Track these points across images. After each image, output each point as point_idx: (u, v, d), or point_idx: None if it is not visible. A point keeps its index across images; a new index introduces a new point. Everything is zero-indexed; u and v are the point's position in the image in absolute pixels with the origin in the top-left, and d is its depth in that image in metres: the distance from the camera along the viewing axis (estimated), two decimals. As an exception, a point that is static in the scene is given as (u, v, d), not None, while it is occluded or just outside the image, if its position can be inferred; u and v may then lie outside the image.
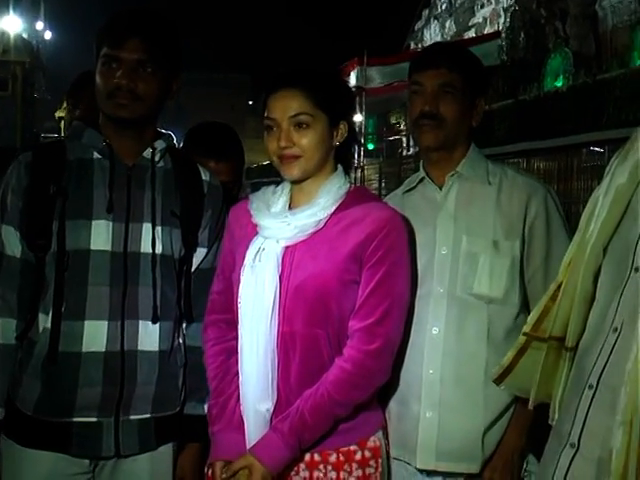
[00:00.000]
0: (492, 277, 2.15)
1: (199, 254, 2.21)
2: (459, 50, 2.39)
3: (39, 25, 34.13)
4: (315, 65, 2.13)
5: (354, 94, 2.16)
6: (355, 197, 2.02)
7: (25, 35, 30.66)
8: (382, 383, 2.00)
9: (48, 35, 35.52)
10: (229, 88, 61.69)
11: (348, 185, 2.03)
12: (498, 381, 1.85)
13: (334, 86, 2.04)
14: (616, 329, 1.54)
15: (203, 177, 2.24)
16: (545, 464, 1.71)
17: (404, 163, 17.64)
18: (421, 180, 2.32)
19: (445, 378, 2.15)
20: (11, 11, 28.85)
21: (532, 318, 1.76)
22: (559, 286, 1.71)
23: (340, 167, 2.05)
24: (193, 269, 2.20)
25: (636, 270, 1.53)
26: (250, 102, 59.54)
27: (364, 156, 18.98)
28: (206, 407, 2.10)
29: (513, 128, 14.42)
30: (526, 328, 1.77)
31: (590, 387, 1.58)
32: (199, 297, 2.17)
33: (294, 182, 2.02)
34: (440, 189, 2.27)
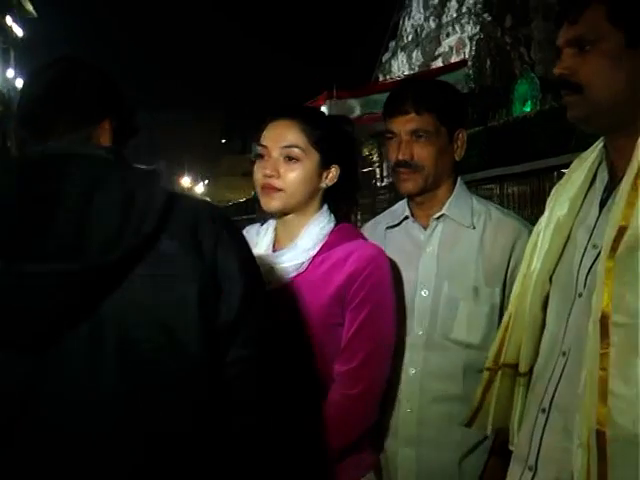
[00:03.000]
0: (471, 324, 2.14)
1: None
2: (427, 88, 2.25)
3: (10, 73, 34.12)
4: (284, 101, 2.09)
5: (355, 142, 2.09)
6: (339, 236, 1.97)
7: (-5, 83, 30.65)
8: (368, 427, 1.94)
9: (19, 83, 35.51)
10: (202, 127, 61.83)
11: (332, 224, 1.98)
12: (469, 424, 1.87)
13: (333, 128, 1.99)
14: (564, 353, 1.61)
15: None
16: None
17: (378, 194, 17.71)
18: (405, 218, 2.29)
19: (422, 417, 2.15)
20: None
21: (492, 352, 1.81)
22: (510, 316, 1.77)
23: (325, 207, 2.00)
24: None
25: (579, 296, 1.59)
26: (223, 140, 59.72)
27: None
28: None
29: (484, 154, 14.54)
30: (488, 363, 1.81)
31: (543, 411, 1.63)
32: None
33: (275, 216, 1.99)
34: (424, 229, 2.24)
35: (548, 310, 1.70)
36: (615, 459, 1.40)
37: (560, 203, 1.70)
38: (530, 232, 2.19)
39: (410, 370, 2.16)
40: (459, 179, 2.28)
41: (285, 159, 1.92)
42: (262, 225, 2.07)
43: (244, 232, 2.07)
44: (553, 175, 12.22)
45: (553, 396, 1.61)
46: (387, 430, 2.19)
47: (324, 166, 1.96)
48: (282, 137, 1.92)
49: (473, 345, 2.14)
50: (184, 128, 61.23)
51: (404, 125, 2.17)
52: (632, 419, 1.39)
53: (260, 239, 2.03)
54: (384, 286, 1.93)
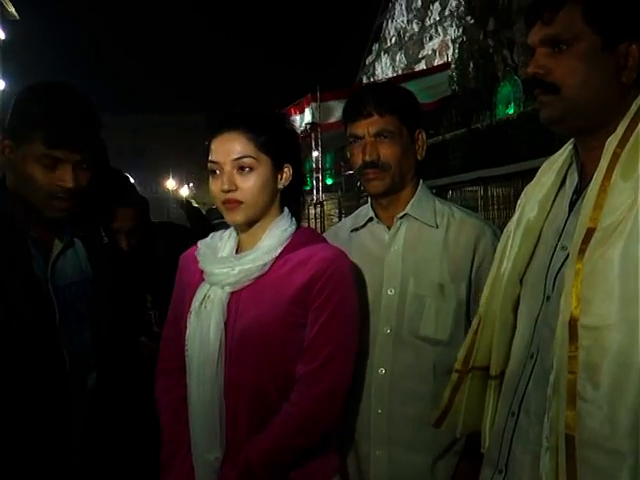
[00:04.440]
0: (438, 320, 2.16)
1: None
2: (385, 91, 2.31)
3: (-8, 75, 33.82)
4: (263, 106, 2.08)
5: (298, 137, 2.12)
6: (301, 239, 1.98)
7: (-22, 86, 30.38)
8: (331, 427, 1.93)
9: (2, 85, 35.25)
10: (185, 129, 61.65)
11: (294, 227, 1.99)
12: (438, 424, 1.87)
13: (278, 129, 1.99)
14: (532, 356, 1.60)
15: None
16: None
17: (362, 196, 17.73)
18: (370, 219, 2.32)
19: (393, 417, 2.16)
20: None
21: (461, 354, 1.80)
22: (480, 319, 1.76)
23: (286, 210, 2.01)
24: None
25: (548, 298, 1.59)
26: (207, 143, 59.29)
27: (323, 191, 19.05)
28: None
29: (468, 156, 14.57)
30: (457, 365, 1.80)
31: (512, 414, 1.63)
32: None
33: (239, 227, 2.00)
34: (388, 229, 2.28)
35: (518, 312, 1.69)
36: (584, 463, 1.40)
37: (530, 205, 1.70)
38: (492, 231, 2.23)
39: (380, 370, 2.18)
40: (421, 181, 2.32)
41: (239, 171, 1.91)
42: (225, 231, 2.07)
43: (208, 239, 2.08)
44: (536, 177, 12.29)
45: (522, 399, 1.61)
46: (359, 432, 2.20)
47: (277, 168, 1.97)
48: (231, 150, 1.91)
49: (442, 341, 2.16)
50: (167, 131, 61.09)
51: (368, 127, 2.22)
52: (601, 423, 1.39)
53: (223, 243, 2.03)
54: (346, 287, 1.93)
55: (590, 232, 1.44)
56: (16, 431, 1.95)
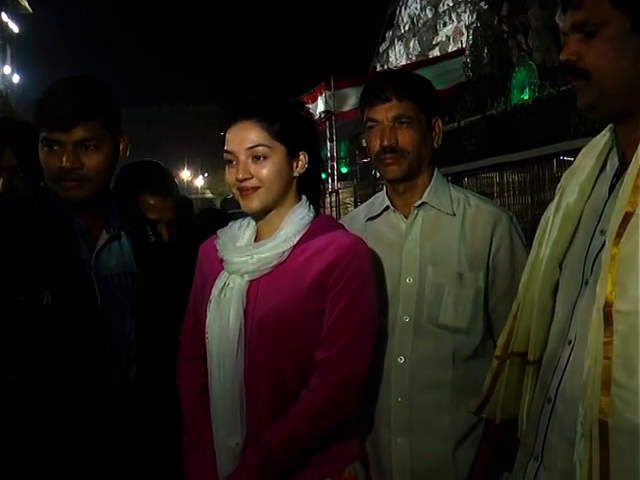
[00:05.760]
0: (457, 308, 2.17)
1: None
2: (404, 77, 2.34)
3: (6, 69, 34.00)
4: (281, 94, 2.08)
5: (315, 124, 2.12)
6: (319, 227, 2.00)
7: (-8, 80, 30.58)
8: (350, 413, 1.96)
9: (16, 79, 35.37)
10: (200, 119, 61.72)
11: (312, 215, 2.01)
12: (478, 412, 1.86)
13: (292, 116, 2.01)
14: (570, 342, 1.59)
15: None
16: (514, 477, 1.75)
17: (378, 184, 17.69)
18: (386, 208, 2.33)
19: (413, 405, 2.18)
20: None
21: (501, 340, 1.79)
22: (518, 305, 1.75)
23: (304, 198, 2.03)
24: None
25: (586, 283, 1.57)
26: (222, 133, 59.38)
27: (338, 180, 19.06)
28: None
29: (483, 143, 14.51)
30: (497, 351, 1.80)
31: (549, 400, 1.62)
32: None
33: (256, 214, 2.01)
34: (405, 218, 2.28)
35: (557, 298, 1.68)
36: (617, 449, 1.38)
37: (570, 189, 1.67)
38: (508, 217, 2.23)
39: (399, 358, 2.19)
40: (436, 169, 2.32)
41: (253, 159, 1.94)
42: (244, 220, 2.09)
43: (227, 227, 2.10)
44: (552, 162, 12.21)
45: (559, 385, 1.60)
46: (378, 419, 2.21)
47: (292, 156, 1.98)
48: (245, 139, 1.94)
49: (461, 329, 2.17)
50: (182, 122, 61.16)
51: (387, 112, 2.22)
52: (635, 409, 1.37)
53: (242, 232, 2.05)
54: (364, 274, 1.95)
55: (628, 216, 1.42)
56: (58, 416, 1.99)
